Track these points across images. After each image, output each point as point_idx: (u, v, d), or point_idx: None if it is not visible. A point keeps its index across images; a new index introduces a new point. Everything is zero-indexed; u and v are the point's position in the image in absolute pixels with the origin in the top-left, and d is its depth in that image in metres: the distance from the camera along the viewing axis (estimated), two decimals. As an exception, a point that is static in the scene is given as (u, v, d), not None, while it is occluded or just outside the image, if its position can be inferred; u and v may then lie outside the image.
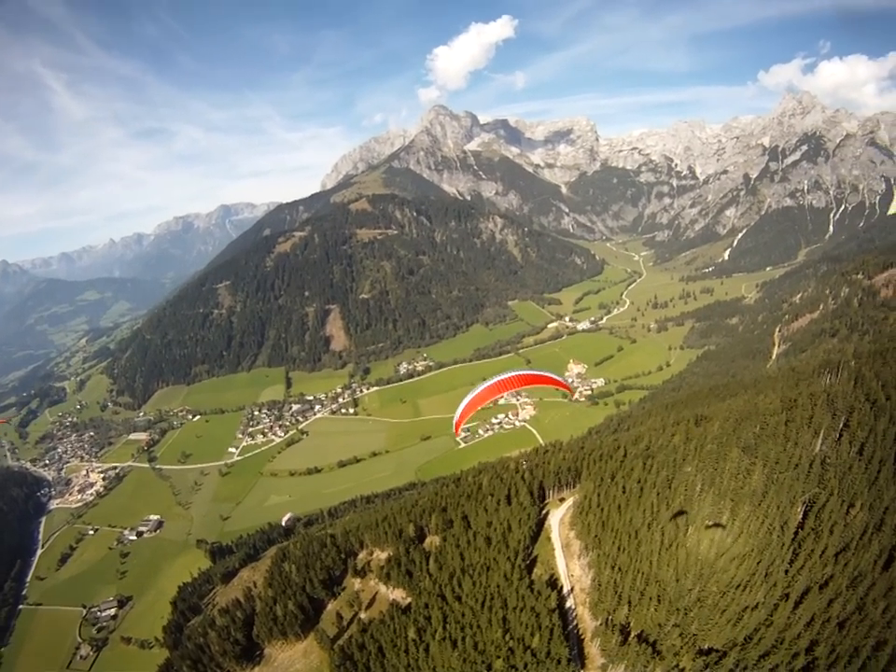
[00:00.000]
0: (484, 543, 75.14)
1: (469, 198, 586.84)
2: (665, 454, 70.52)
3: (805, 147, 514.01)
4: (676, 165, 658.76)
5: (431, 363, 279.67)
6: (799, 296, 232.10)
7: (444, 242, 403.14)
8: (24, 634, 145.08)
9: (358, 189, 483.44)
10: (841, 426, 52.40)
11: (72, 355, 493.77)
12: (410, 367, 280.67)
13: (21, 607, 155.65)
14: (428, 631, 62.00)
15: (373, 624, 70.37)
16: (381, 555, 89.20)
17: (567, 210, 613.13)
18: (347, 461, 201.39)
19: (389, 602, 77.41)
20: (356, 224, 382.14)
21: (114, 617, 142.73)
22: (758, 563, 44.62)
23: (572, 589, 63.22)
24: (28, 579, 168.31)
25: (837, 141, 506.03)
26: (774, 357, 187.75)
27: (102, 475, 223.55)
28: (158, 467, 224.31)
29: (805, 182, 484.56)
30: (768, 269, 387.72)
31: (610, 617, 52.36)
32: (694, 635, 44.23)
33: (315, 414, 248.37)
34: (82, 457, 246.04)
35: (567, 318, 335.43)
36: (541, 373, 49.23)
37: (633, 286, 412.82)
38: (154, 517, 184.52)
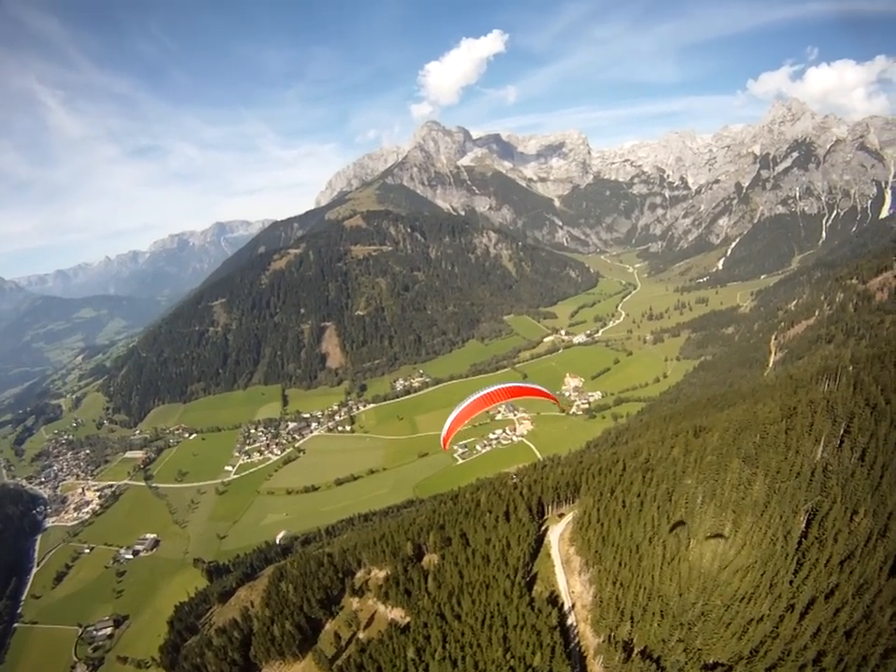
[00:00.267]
0: (483, 561, 74.43)
1: (462, 213, 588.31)
2: (664, 466, 69.98)
3: (795, 154, 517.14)
4: (668, 176, 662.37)
5: (428, 379, 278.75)
6: (794, 303, 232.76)
7: (439, 257, 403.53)
8: (20, 652, 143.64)
9: (353, 206, 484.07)
10: (842, 432, 52.08)
11: (68, 372, 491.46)
12: (406, 383, 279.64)
13: (16, 625, 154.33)
14: (428, 650, 61.12)
15: (372, 644, 69.41)
16: (379, 574, 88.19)
17: (560, 223, 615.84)
18: (344, 479, 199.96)
19: (388, 621, 76.48)
20: (350, 241, 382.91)
21: (110, 636, 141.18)
22: (762, 574, 43.98)
23: (573, 606, 62.42)
24: (23, 597, 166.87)
25: (827, 147, 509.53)
26: (771, 365, 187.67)
27: (98, 493, 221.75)
28: (154, 485, 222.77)
29: (797, 189, 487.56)
30: (762, 277, 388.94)
31: (613, 633, 51.61)
32: (699, 649, 43.50)
33: (311, 432, 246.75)
34: (78, 475, 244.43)
35: (562, 332, 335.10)
36: (527, 385, 49.01)
37: (628, 298, 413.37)
38: (150, 536, 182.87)
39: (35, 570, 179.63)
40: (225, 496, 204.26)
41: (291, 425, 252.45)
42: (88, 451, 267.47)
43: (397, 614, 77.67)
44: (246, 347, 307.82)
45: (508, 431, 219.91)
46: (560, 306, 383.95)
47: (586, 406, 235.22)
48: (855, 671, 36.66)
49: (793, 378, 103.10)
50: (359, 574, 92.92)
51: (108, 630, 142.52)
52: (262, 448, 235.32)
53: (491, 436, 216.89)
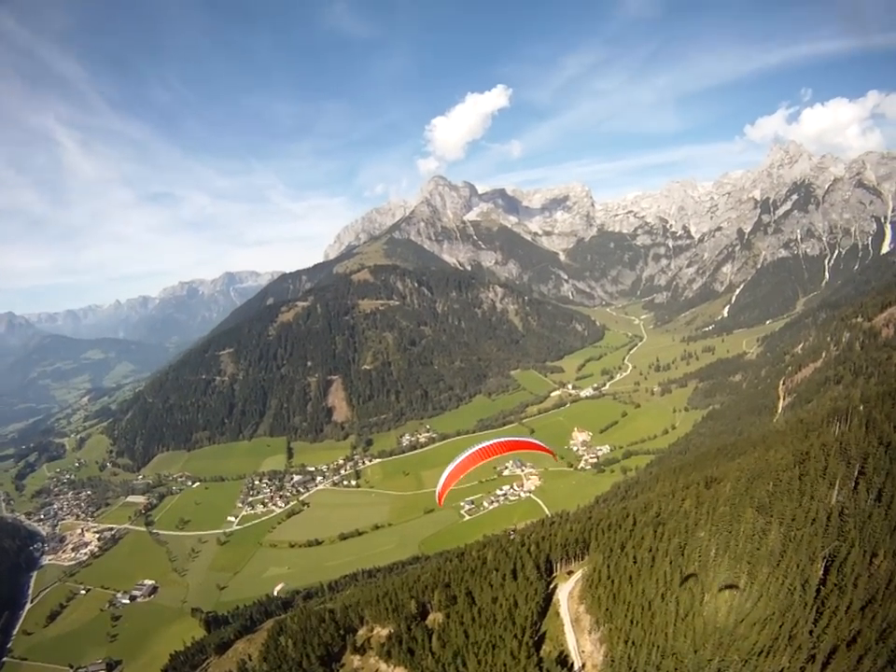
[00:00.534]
0: (490, 620, 72.30)
1: (469, 268, 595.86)
2: (676, 520, 68.51)
3: (795, 197, 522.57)
4: (671, 226, 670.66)
5: (434, 435, 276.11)
6: (800, 346, 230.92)
7: (446, 312, 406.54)
8: None
9: (360, 260, 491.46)
10: (856, 473, 50.72)
11: (73, 412, 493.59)
12: (413, 438, 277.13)
13: (5, 659, 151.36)
14: (432, 714, 58.39)
15: (373, 706, 66.52)
16: (381, 632, 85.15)
17: (566, 277, 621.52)
18: (349, 534, 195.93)
19: (390, 682, 73.57)
20: (358, 294, 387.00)
21: None
22: (780, 626, 42.02)
23: (583, 666, 60.13)
24: (15, 632, 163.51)
25: (826, 187, 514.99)
26: (780, 410, 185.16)
27: (97, 535, 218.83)
28: (155, 531, 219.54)
29: (798, 231, 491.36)
30: (768, 322, 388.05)
31: (626, 695, 49.25)
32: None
33: (316, 486, 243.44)
34: (78, 515, 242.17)
35: (569, 386, 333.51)
36: (522, 439, 48.61)
37: (634, 349, 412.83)
38: (149, 582, 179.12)
39: (28, 606, 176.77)
40: (226, 546, 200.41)
41: (296, 478, 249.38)
42: (89, 492, 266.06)
43: (399, 674, 74.85)
44: (253, 398, 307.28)
45: (515, 487, 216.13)
46: (567, 360, 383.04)
47: (594, 460, 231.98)
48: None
49: (804, 422, 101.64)
50: (361, 631, 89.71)
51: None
52: (266, 500, 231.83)
53: (498, 492, 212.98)
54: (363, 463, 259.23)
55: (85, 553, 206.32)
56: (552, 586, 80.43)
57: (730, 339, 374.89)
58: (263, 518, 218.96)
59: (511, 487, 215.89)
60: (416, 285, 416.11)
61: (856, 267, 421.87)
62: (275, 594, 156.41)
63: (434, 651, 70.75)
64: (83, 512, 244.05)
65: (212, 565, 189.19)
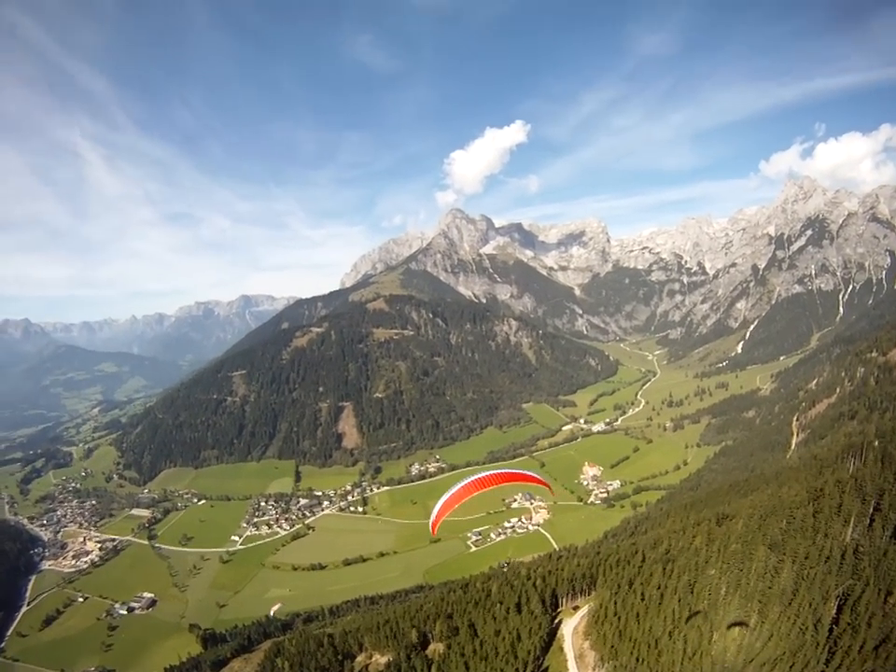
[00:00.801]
0: (492, 653, 71.20)
1: (484, 300, 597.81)
2: (686, 557, 67.05)
3: (809, 232, 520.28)
4: (686, 262, 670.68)
5: (444, 465, 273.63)
6: (815, 382, 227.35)
7: (459, 344, 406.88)
8: None
9: (376, 289, 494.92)
10: (871, 510, 49.34)
11: (83, 422, 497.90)
12: (422, 468, 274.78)
13: None
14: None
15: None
16: (380, 660, 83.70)
17: (580, 312, 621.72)
18: (353, 560, 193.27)
19: (387, 712, 71.90)
20: (372, 323, 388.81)
21: None
22: (791, 666, 40.61)
23: (587, 703, 58.31)
24: (9, 633, 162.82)
25: (840, 221, 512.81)
26: (793, 446, 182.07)
27: (99, 545, 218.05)
28: (157, 545, 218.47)
29: (812, 267, 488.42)
30: (782, 358, 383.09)
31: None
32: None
33: (322, 510, 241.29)
34: (81, 524, 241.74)
35: (581, 420, 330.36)
36: (518, 472, 48.29)
37: (647, 385, 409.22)
38: (148, 595, 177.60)
39: (24, 609, 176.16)
40: (229, 565, 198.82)
41: (302, 501, 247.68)
42: (94, 502, 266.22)
43: (397, 705, 73.25)
44: (263, 420, 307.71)
45: (524, 520, 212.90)
46: (579, 394, 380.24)
47: (605, 495, 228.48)
48: None
49: (818, 458, 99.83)
50: (360, 658, 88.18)
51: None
52: (271, 522, 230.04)
53: (506, 524, 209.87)
54: (371, 490, 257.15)
55: (86, 562, 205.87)
56: (556, 621, 79.17)
57: (744, 375, 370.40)
58: (267, 539, 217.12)
59: (520, 520, 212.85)
60: (431, 315, 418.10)
61: (870, 301, 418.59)
62: (271, 614, 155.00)
63: (433, 682, 69.23)
64: (86, 521, 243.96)
65: (213, 582, 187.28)
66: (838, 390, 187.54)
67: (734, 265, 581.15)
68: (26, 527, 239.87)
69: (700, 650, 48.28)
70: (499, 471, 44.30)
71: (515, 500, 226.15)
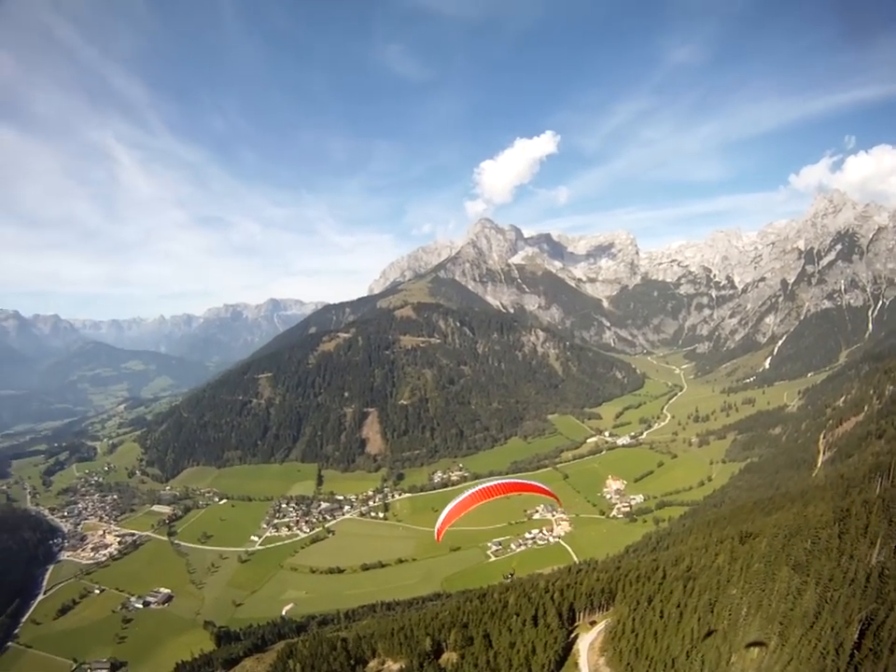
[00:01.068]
0: (506, 664, 70.39)
1: (512, 311, 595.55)
2: (707, 575, 65.77)
3: (839, 247, 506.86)
4: (714, 276, 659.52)
5: (467, 474, 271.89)
6: (842, 399, 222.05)
7: (486, 353, 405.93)
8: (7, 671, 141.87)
9: (404, 297, 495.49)
10: (899, 531, 47.63)
11: (108, 418, 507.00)
12: (445, 476, 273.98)
13: (10, 644, 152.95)
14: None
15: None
16: (393, 667, 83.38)
17: (608, 324, 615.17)
18: (371, 565, 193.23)
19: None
20: (399, 330, 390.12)
21: None
22: (811, 693, 39.42)
23: (600, 721, 57.25)
24: (23, 620, 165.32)
25: (870, 236, 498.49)
26: (819, 464, 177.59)
27: (118, 539, 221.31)
28: (177, 542, 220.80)
29: (842, 282, 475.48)
30: (810, 375, 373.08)
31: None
32: None
33: (343, 514, 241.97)
34: (101, 517, 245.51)
35: (606, 433, 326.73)
36: (527, 482, 47.84)
37: (674, 399, 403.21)
38: (164, 590, 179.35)
39: (40, 597, 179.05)
40: (247, 565, 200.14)
41: (324, 504, 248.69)
42: (115, 496, 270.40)
43: (408, 712, 72.85)
44: (287, 423, 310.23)
45: (545, 532, 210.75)
46: (605, 407, 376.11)
47: (627, 509, 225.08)
48: None
49: (844, 477, 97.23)
50: (372, 664, 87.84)
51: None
52: (291, 524, 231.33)
53: (527, 535, 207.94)
54: (393, 496, 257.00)
55: (104, 555, 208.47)
56: (573, 635, 78.28)
57: (771, 391, 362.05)
58: (287, 541, 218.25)
59: (541, 531, 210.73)
60: (458, 324, 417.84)
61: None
62: (283, 613, 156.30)
63: (445, 692, 68.72)
64: (107, 515, 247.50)
65: (230, 581, 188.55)
66: (866, 408, 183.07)
67: (763, 279, 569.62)
68: (46, 518, 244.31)
69: (718, 671, 47.06)
70: (506, 481, 43.97)
71: (537, 511, 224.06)
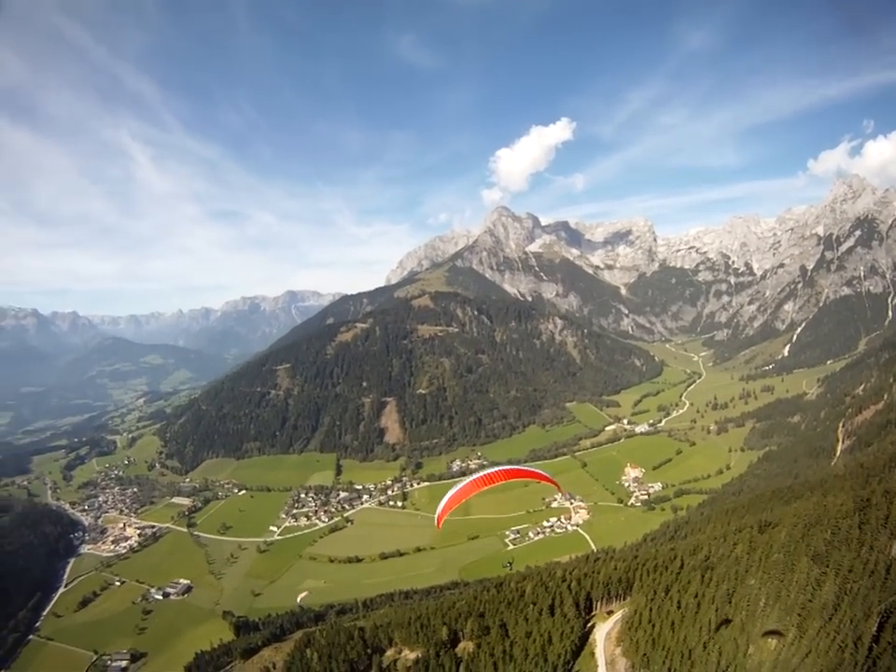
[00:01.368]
0: (522, 654, 70.28)
1: (529, 299, 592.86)
2: (725, 565, 64.94)
3: (858, 233, 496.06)
4: (733, 262, 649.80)
5: (485, 462, 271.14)
6: (862, 387, 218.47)
7: (504, 341, 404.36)
8: (28, 664, 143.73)
9: (422, 286, 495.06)
10: (920, 522, 46.57)
11: (128, 412, 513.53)
12: (463, 465, 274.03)
13: (31, 637, 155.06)
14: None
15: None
16: (409, 655, 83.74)
17: (626, 311, 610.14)
18: (390, 554, 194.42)
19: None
20: (417, 320, 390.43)
21: (124, 669, 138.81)
22: (828, 685, 38.72)
23: (616, 711, 57.03)
24: (45, 613, 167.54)
25: (889, 222, 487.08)
26: (838, 453, 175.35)
27: (138, 531, 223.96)
28: (196, 533, 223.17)
29: (861, 268, 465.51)
30: (829, 362, 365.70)
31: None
32: None
33: (362, 504, 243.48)
34: (121, 510, 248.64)
35: (625, 421, 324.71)
36: (527, 469, 47.65)
37: (692, 387, 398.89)
38: (184, 581, 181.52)
39: (61, 590, 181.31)
40: (266, 555, 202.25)
41: (342, 494, 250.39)
42: (135, 489, 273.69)
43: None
44: (306, 413, 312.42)
45: (563, 520, 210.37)
46: (623, 395, 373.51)
47: (645, 497, 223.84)
48: None
49: (864, 466, 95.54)
50: (389, 653, 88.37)
51: (123, 663, 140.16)
52: (310, 514, 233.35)
53: (545, 523, 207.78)
54: (411, 485, 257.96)
55: (124, 547, 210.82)
56: (589, 625, 77.97)
57: (790, 379, 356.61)
58: (306, 531, 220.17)
59: (559, 519, 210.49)
60: (476, 313, 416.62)
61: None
62: (298, 601, 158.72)
63: (461, 681, 68.90)
64: (127, 508, 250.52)
65: (249, 571, 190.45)
66: (886, 396, 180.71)
67: (781, 266, 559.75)
68: (67, 512, 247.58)
69: (735, 662, 46.52)
70: (506, 468, 43.78)
71: (555, 500, 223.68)
